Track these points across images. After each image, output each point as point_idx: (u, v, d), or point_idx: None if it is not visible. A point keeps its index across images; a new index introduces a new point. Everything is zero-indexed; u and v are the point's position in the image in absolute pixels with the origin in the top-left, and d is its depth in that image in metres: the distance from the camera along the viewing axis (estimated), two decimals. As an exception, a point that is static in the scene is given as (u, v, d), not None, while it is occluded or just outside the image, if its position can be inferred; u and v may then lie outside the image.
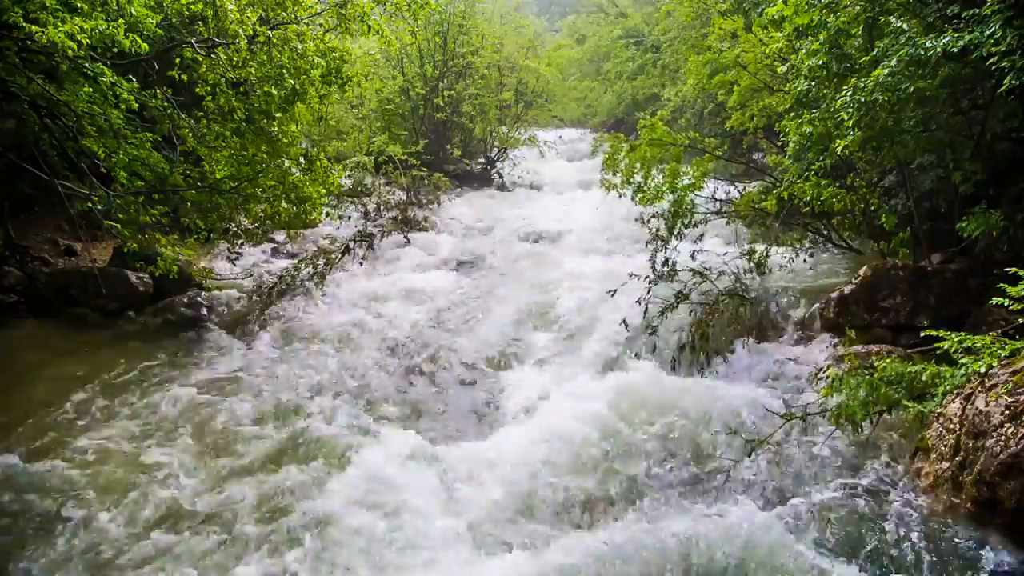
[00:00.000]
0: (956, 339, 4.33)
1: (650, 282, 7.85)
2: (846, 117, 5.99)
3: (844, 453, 5.40)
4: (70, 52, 5.89)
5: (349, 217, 12.09)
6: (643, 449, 5.68)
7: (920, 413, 4.88)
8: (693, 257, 8.10)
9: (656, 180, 8.32)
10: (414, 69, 16.26)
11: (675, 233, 8.26)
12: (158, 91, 7.23)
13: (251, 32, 6.96)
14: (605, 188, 8.81)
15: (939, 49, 5.39)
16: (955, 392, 4.80)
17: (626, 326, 7.71)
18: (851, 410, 4.65)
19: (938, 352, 4.50)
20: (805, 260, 8.42)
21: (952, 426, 4.82)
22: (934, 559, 4.33)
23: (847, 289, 7.10)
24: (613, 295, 8.09)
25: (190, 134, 7.45)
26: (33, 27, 5.84)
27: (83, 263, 8.76)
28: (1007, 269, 4.56)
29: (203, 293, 9.03)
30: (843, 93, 6.08)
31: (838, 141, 6.24)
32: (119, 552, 4.59)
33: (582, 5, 29.21)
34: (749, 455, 5.08)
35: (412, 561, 4.55)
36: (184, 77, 7.07)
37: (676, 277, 7.88)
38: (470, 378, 7.46)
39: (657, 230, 8.44)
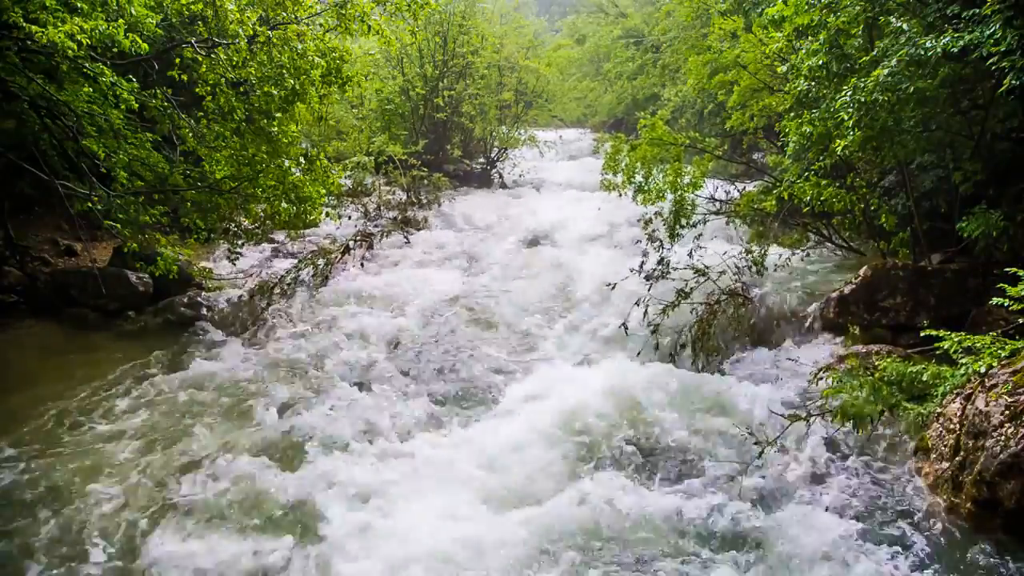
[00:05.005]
0: (956, 339, 4.33)
1: (649, 280, 7.86)
2: (846, 117, 5.99)
3: (844, 453, 5.40)
4: (70, 52, 5.89)
5: (349, 217, 12.09)
6: (639, 441, 5.69)
7: (920, 413, 4.90)
8: (690, 255, 8.11)
9: (657, 180, 8.32)
10: (414, 69, 16.24)
11: (675, 233, 8.27)
12: (158, 91, 7.22)
13: (251, 32, 6.96)
14: (606, 188, 8.82)
15: (939, 49, 5.40)
16: (955, 392, 4.80)
17: (626, 329, 7.72)
18: (851, 410, 4.66)
19: (938, 352, 4.51)
20: (802, 260, 8.42)
21: (952, 426, 4.82)
22: (934, 559, 4.33)
23: (847, 289, 7.10)
24: (613, 288, 8.12)
25: (190, 134, 7.45)
26: (33, 27, 5.84)
27: (83, 263, 8.76)
28: (1007, 269, 4.56)
29: (203, 293, 9.03)
30: (843, 93, 6.08)
31: (838, 141, 6.24)
32: (115, 551, 4.59)
33: (582, 5, 29.20)
34: (759, 456, 5.07)
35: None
36: (184, 77, 7.07)
37: (677, 276, 7.89)
38: (470, 374, 7.45)
39: (654, 230, 8.45)
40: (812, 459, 5.37)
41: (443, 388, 7.18)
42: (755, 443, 5.11)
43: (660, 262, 8.10)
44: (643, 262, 8.22)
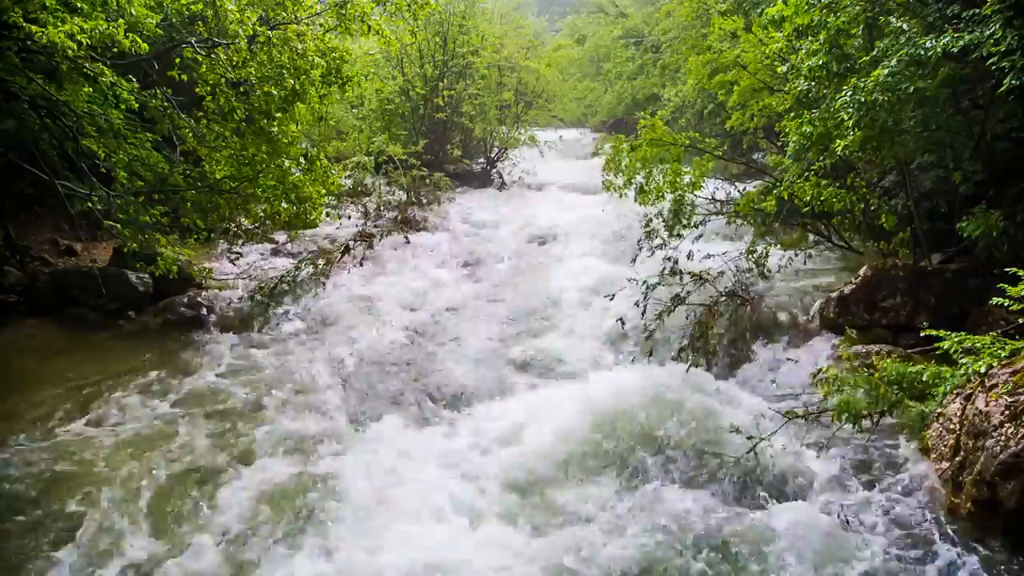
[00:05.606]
0: (956, 339, 4.33)
1: (646, 285, 7.86)
2: (846, 117, 5.99)
3: (843, 453, 5.40)
4: (70, 52, 5.90)
5: (349, 217, 12.08)
6: (640, 444, 5.69)
7: (920, 413, 4.90)
8: (689, 258, 8.11)
9: (657, 180, 8.32)
10: (414, 69, 16.24)
11: (675, 233, 8.27)
12: (158, 91, 7.23)
13: (251, 32, 6.96)
14: (607, 189, 8.82)
15: (939, 49, 5.40)
16: (955, 392, 4.80)
17: (622, 324, 7.73)
18: (851, 409, 4.65)
19: (938, 352, 4.50)
20: (804, 261, 8.42)
21: (952, 426, 4.82)
22: (934, 559, 4.32)
23: (847, 289, 7.10)
24: (612, 299, 8.11)
25: (190, 134, 7.45)
26: (33, 27, 5.85)
27: (83, 263, 8.76)
28: (1007, 269, 4.56)
29: (203, 293, 9.03)
30: (843, 93, 6.08)
31: (838, 141, 6.24)
32: (115, 550, 4.60)
33: (582, 5, 29.25)
34: (750, 451, 5.07)
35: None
36: (184, 77, 7.07)
37: (675, 278, 7.88)
38: (469, 375, 7.45)
39: (650, 226, 8.45)
40: (810, 459, 5.37)
41: (440, 392, 7.17)
42: (749, 439, 5.12)
43: (665, 260, 8.07)
44: (635, 258, 8.23)
